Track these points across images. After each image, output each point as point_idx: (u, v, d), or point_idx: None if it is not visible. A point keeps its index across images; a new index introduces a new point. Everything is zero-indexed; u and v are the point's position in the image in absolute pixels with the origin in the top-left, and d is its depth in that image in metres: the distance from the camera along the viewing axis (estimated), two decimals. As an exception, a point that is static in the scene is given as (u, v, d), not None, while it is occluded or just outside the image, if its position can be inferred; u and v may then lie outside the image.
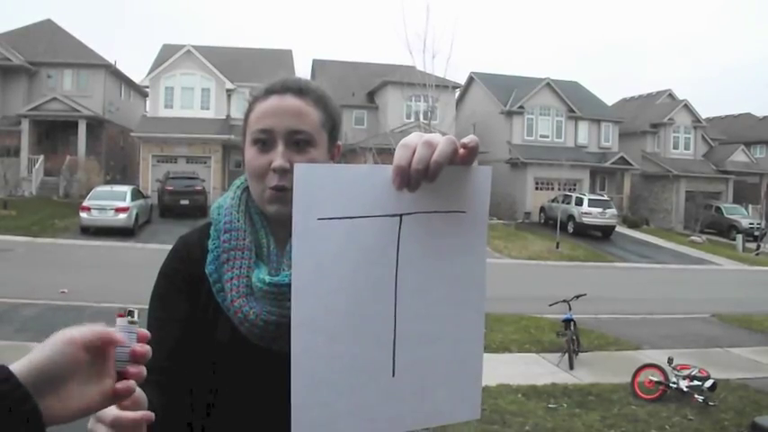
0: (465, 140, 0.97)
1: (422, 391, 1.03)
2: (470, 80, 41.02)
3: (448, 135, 0.97)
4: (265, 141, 1.35)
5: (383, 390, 1.00)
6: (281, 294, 1.29)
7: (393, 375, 1.01)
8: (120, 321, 0.92)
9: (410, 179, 0.94)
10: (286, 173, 1.31)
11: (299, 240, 0.95)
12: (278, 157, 1.33)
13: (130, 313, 0.93)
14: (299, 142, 1.35)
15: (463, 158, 0.97)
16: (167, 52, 34.22)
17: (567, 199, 30.98)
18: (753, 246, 31.04)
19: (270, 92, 1.39)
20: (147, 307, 1.43)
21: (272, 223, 1.41)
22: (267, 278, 1.31)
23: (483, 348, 1.07)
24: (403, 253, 0.99)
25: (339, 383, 0.98)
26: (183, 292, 1.40)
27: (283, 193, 1.32)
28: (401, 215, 0.98)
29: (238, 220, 1.40)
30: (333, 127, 1.44)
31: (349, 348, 0.98)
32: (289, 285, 1.27)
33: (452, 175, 0.97)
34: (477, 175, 1.00)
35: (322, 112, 1.40)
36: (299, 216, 0.95)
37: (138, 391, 0.95)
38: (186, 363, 1.35)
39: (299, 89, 1.40)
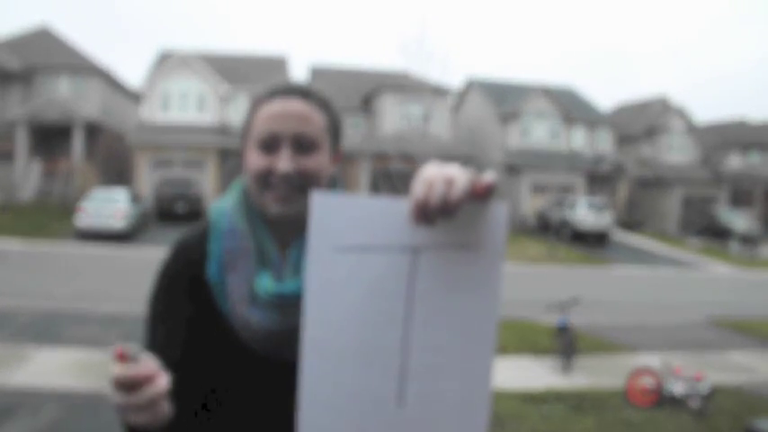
0: (485, 178, 0.97)
1: (429, 422, 1.03)
2: (466, 86, 41.05)
3: (466, 171, 0.97)
4: (270, 144, 1.34)
5: (389, 420, 1.02)
6: (284, 304, 1.29)
7: (400, 406, 1.02)
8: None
9: (428, 215, 0.94)
10: (290, 176, 1.31)
11: (314, 268, 0.98)
12: (283, 161, 1.32)
13: (128, 356, 0.98)
14: (303, 146, 1.34)
15: (482, 195, 0.97)
16: (164, 57, 34.21)
17: (562, 204, 30.99)
18: (748, 250, 31.06)
19: (274, 95, 1.38)
20: (142, 310, 1.43)
21: (272, 226, 1.39)
22: (271, 288, 1.30)
23: (492, 385, 1.07)
24: (416, 287, 1.00)
25: (345, 410, 1.00)
26: (186, 293, 1.39)
27: (287, 196, 1.33)
28: (416, 249, 0.99)
29: (241, 224, 1.39)
30: (335, 131, 1.44)
31: (356, 376, 1.00)
32: (292, 296, 1.28)
33: (469, 211, 0.98)
34: (493, 212, 1.00)
35: (326, 116, 1.40)
36: (314, 244, 0.97)
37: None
38: (197, 361, 1.35)
39: (304, 93, 1.39)
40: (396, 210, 0.98)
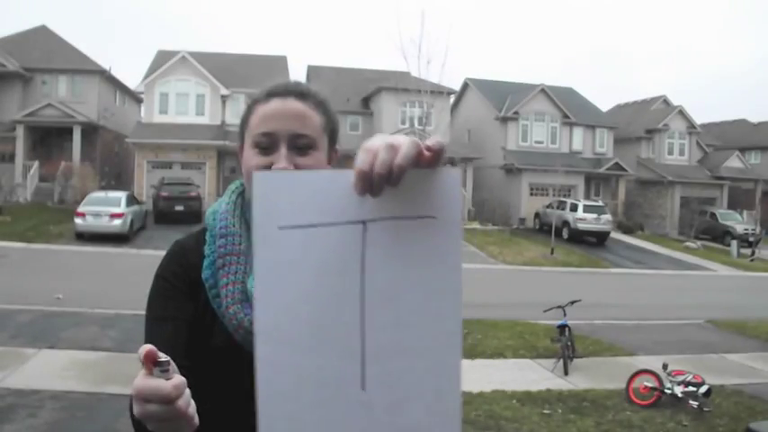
0: (429, 143, 0.93)
1: (395, 405, 0.98)
2: (465, 86, 41.07)
3: (412, 137, 0.94)
4: (267, 145, 1.34)
5: (352, 404, 0.97)
6: None
7: (363, 389, 0.97)
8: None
9: (372, 184, 0.90)
10: None
11: (261, 250, 0.93)
12: (280, 161, 1.32)
13: (160, 364, 0.92)
14: (301, 145, 1.34)
15: (429, 161, 0.93)
16: (162, 58, 34.20)
17: (561, 205, 31.00)
18: (747, 251, 31.07)
19: (271, 95, 1.38)
20: (143, 312, 1.42)
21: None
22: None
23: (461, 361, 1.00)
24: (368, 261, 0.95)
25: (305, 396, 0.96)
26: (185, 294, 1.40)
27: None
28: (365, 222, 0.95)
29: (234, 225, 1.39)
30: (332, 131, 1.43)
31: (314, 360, 0.96)
32: None
33: (418, 179, 0.93)
34: (445, 178, 0.95)
35: (323, 116, 1.40)
36: (259, 225, 0.93)
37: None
38: (194, 362, 1.34)
39: (302, 93, 1.39)
40: (341, 183, 0.93)
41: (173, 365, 0.94)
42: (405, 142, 0.91)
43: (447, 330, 0.98)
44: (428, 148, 0.93)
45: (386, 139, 0.92)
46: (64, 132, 31.95)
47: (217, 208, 1.45)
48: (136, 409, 0.95)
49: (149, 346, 0.92)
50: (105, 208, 22.36)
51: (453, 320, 0.99)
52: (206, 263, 1.38)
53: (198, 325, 1.37)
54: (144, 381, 0.92)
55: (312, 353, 0.96)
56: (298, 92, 1.39)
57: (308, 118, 1.36)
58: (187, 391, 0.96)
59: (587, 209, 30.13)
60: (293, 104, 1.36)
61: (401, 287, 0.97)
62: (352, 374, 0.97)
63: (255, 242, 0.94)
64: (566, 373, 9.00)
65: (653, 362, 9.15)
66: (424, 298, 0.97)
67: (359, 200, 0.93)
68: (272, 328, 0.95)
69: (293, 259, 0.94)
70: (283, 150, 1.33)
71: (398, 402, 0.98)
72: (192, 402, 0.98)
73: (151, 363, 0.92)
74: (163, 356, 0.92)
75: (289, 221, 0.93)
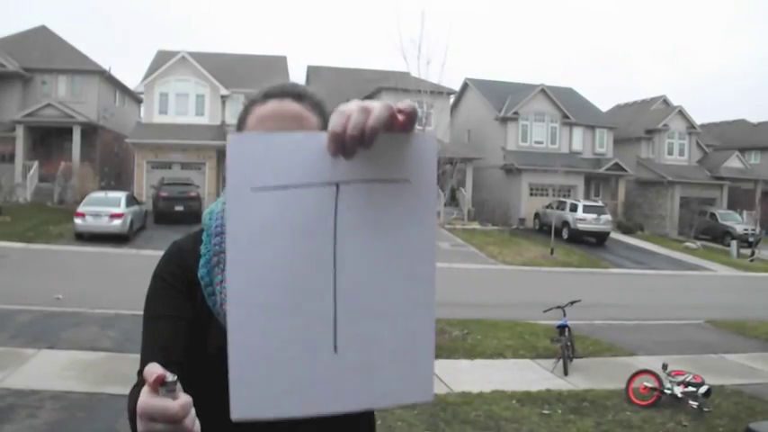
0: (401, 105, 0.94)
1: (367, 368, 0.97)
2: (465, 86, 41.06)
3: (384, 101, 0.94)
4: None
5: (325, 366, 0.96)
6: None
7: (335, 351, 0.96)
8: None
9: (345, 145, 0.91)
10: None
11: (233, 211, 0.93)
12: None
13: (166, 384, 0.91)
14: None
15: (403, 125, 0.93)
16: (162, 58, 34.21)
17: (561, 205, 31.00)
18: (747, 252, 31.06)
19: (268, 96, 1.39)
20: (140, 312, 1.43)
21: None
22: None
23: (434, 326, 1.01)
24: (341, 223, 0.95)
25: (278, 359, 0.94)
26: (184, 294, 1.40)
27: None
28: (338, 184, 0.95)
29: None
30: None
31: (287, 322, 0.95)
32: None
33: (393, 143, 0.94)
34: (420, 143, 0.95)
35: (319, 118, 1.40)
36: (232, 186, 0.92)
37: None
38: (192, 361, 1.34)
39: (298, 94, 1.40)
40: (315, 144, 0.93)
41: (179, 385, 0.93)
42: (377, 105, 0.92)
43: (420, 295, 0.99)
44: (400, 111, 0.93)
45: (359, 103, 0.93)
46: (64, 132, 31.95)
47: (213, 208, 1.46)
48: (140, 427, 0.93)
49: (159, 370, 0.91)
50: (105, 208, 22.36)
51: (427, 285, 0.99)
52: (202, 261, 1.39)
53: (195, 323, 1.38)
54: (150, 400, 0.91)
55: (284, 315, 0.95)
56: (295, 93, 1.40)
57: (305, 119, 1.37)
58: (193, 409, 0.95)
59: (587, 209, 30.13)
60: (290, 106, 1.37)
61: (374, 250, 0.97)
62: (324, 337, 0.96)
63: (228, 203, 0.94)
64: (565, 373, 9.00)
65: (653, 362, 9.15)
66: (398, 261, 0.97)
67: (332, 162, 0.93)
68: (244, 290, 0.94)
69: (266, 221, 0.94)
70: None
71: (371, 365, 0.98)
72: (197, 421, 0.97)
73: (158, 383, 0.91)
74: (170, 377, 0.90)
75: (262, 183, 0.93)
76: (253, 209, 0.93)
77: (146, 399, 0.91)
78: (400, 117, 0.93)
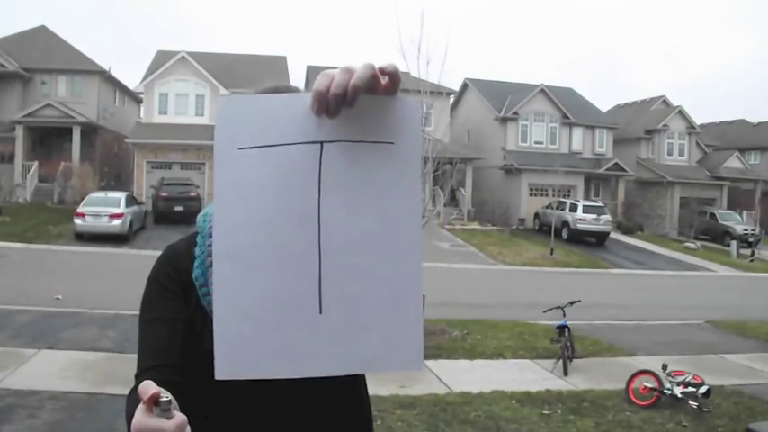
0: (383, 64, 0.96)
1: (353, 331, 0.97)
2: (465, 86, 41.06)
3: (367, 61, 0.95)
4: None
5: (310, 327, 0.96)
6: None
7: (320, 312, 0.96)
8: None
9: (329, 104, 0.92)
10: None
11: (220, 171, 0.94)
12: None
13: (160, 403, 0.89)
14: None
15: (386, 88, 0.95)
16: (162, 58, 34.19)
17: (561, 205, 31.00)
18: (747, 252, 31.06)
19: None
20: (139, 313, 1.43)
21: None
22: None
23: (421, 291, 1.00)
24: (325, 182, 0.96)
25: (263, 318, 0.95)
26: (179, 296, 1.41)
27: None
28: (322, 142, 0.96)
29: None
30: None
31: (272, 281, 0.95)
32: None
33: (377, 106, 0.96)
34: (404, 107, 0.97)
35: None
36: (219, 146, 0.94)
37: None
38: (188, 362, 1.35)
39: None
40: (300, 105, 0.95)
41: (174, 403, 0.93)
42: (360, 65, 0.93)
43: (405, 257, 0.99)
44: (381, 70, 0.95)
45: (344, 64, 0.95)
46: (63, 133, 31.95)
47: (208, 210, 1.47)
48: None
49: (154, 389, 0.90)
50: (105, 208, 22.36)
51: (412, 247, 0.99)
52: (196, 263, 1.40)
53: (191, 325, 1.39)
54: (145, 419, 0.90)
55: (270, 274, 0.95)
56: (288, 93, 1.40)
57: None
58: (188, 427, 0.95)
59: (587, 209, 30.16)
60: None
61: (358, 210, 0.98)
62: (309, 297, 0.97)
63: (216, 163, 0.95)
64: (565, 373, 9.00)
65: (652, 362, 9.15)
66: (383, 222, 0.98)
67: (317, 121, 0.95)
68: (230, 248, 0.95)
69: (252, 179, 0.95)
70: None
71: (357, 328, 0.98)
72: None
73: (152, 402, 0.90)
74: (164, 395, 0.89)
75: (248, 142, 0.94)
76: (239, 167, 0.94)
77: (141, 418, 0.90)
78: (383, 80, 0.95)
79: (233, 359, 0.94)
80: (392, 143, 0.97)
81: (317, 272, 0.97)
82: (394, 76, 0.95)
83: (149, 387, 0.90)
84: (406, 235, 0.99)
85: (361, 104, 0.93)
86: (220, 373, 0.94)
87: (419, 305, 1.00)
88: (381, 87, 0.95)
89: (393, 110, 0.97)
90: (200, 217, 1.48)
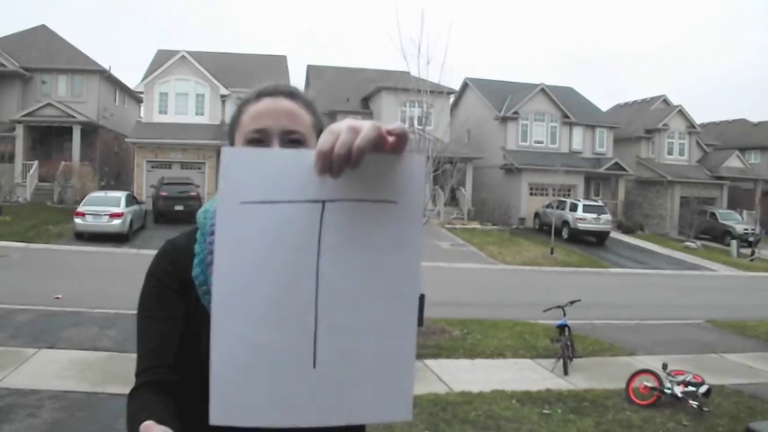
0: (390, 127, 0.94)
1: (345, 384, 0.99)
2: (465, 86, 41.05)
3: (374, 121, 0.95)
4: (260, 141, 1.36)
5: (303, 380, 0.97)
6: None
7: (314, 366, 0.98)
8: None
9: (332, 164, 0.91)
10: None
11: (222, 222, 0.95)
12: None
13: None
14: (293, 142, 1.37)
15: (393, 147, 0.94)
16: (162, 58, 34.19)
17: (561, 205, 30.97)
18: (747, 251, 31.05)
19: (262, 95, 1.42)
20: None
21: None
22: None
23: (415, 346, 1.02)
24: (325, 241, 0.97)
25: (258, 370, 0.96)
26: (177, 293, 1.41)
27: None
28: (324, 201, 0.96)
29: None
30: (320, 131, 1.44)
31: (269, 335, 0.96)
32: None
33: (381, 164, 0.95)
34: (408, 164, 0.96)
35: (312, 116, 1.44)
36: (223, 199, 0.95)
37: None
38: (186, 359, 1.34)
39: (291, 92, 1.43)
40: (304, 161, 0.94)
41: None
42: (366, 125, 0.92)
43: (402, 315, 1.00)
44: (389, 132, 0.94)
45: (349, 122, 0.94)
46: (63, 132, 31.96)
47: (208, 207, 1.47)
48: None
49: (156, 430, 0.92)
50: (105, 208, 22.35)
51: (409, 305, 1.00)
52: (196, 260, 1.40)
53: (189, 322, 1.38)
54: None
55: (266, 327, 0.96)
56: (287, 92, 1.43)
57: (299, 116, 1.40)
58: None
59: (587, 209, 30.14)
60: (284, 102, 1.40)
61: (357, 269, 0.98)
62: (304, 352, 0.98)
63: (218, 215, 0.95)
64: (565, 372, 9.00)
65: (653, 362, 9.15)
66: (381, 281, 0.98)
67: (320, 180, 0.94)
68: (229, 300, 0.95)
69: (253, 234, 0.95)
70: (276, 146, 1.35)
71: (349, 381, 0.99)
72: None
73: None
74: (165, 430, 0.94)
75: (251, 197, 0.95)
76: (241, 221, 0.95)
77: None
78: (390, 139, 0.94)
79: (228, 405, 0.96)
80: (395, 202, 0.97)
81: (313, 327, 0.98)
82: (401, 137, 0.94)
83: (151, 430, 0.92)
84: (404, 292, 1.00)
85: (365, 162, 0.93)
86: (215, 419, 0.95)
87: (412, 360, 1.02)
88: (388, 146, 0.94)
89: (397, 167, 0.96)
90: (200, 213, 1.47)
